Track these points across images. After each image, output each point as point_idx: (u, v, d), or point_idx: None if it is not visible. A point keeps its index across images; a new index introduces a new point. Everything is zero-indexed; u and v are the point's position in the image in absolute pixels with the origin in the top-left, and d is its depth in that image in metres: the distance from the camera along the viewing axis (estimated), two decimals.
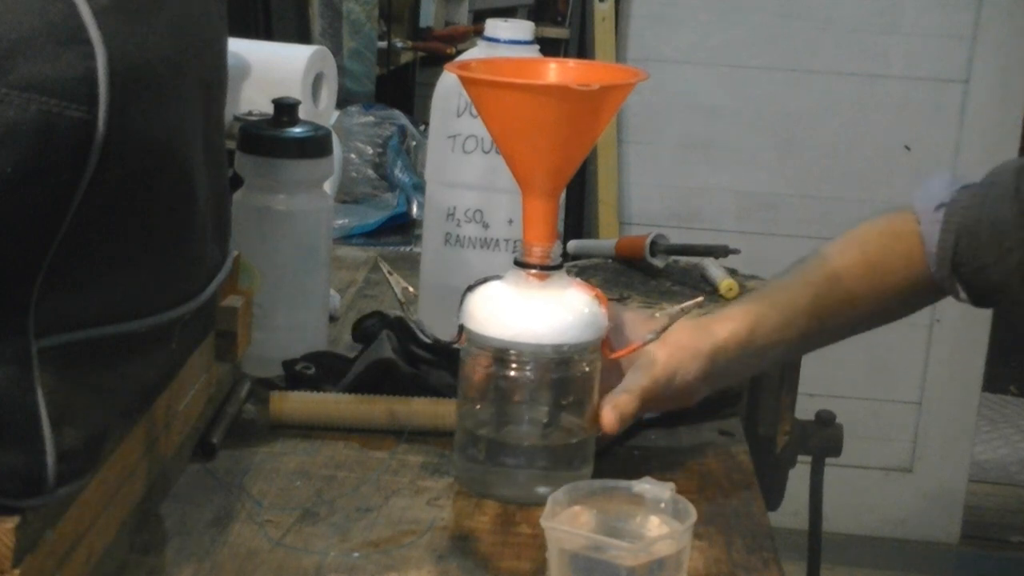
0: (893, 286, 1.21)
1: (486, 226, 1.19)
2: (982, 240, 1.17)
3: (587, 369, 0.96)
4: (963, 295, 1.19)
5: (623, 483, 0.84)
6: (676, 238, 1.59)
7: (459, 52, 2.70)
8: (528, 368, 0.94)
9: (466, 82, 0.95)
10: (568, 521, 0.81)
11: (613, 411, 0.99)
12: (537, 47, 1.18)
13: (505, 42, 1.16)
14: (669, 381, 1.05)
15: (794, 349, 1.19)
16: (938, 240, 1.18)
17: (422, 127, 2.23)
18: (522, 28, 1.18)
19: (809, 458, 1.44)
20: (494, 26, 1.17)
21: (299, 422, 1.06)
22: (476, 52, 1.19)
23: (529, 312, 0.94)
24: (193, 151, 0.80)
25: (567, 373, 0.95)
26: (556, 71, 1.01)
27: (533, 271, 0.95)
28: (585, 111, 0.93)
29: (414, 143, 2.19)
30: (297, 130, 1.13)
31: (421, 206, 1.96)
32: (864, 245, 1.22)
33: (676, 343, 1.06)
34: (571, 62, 1.04)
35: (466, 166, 1.18)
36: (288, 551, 0.87)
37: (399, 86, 2.98)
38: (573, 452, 0.98)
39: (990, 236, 1.16)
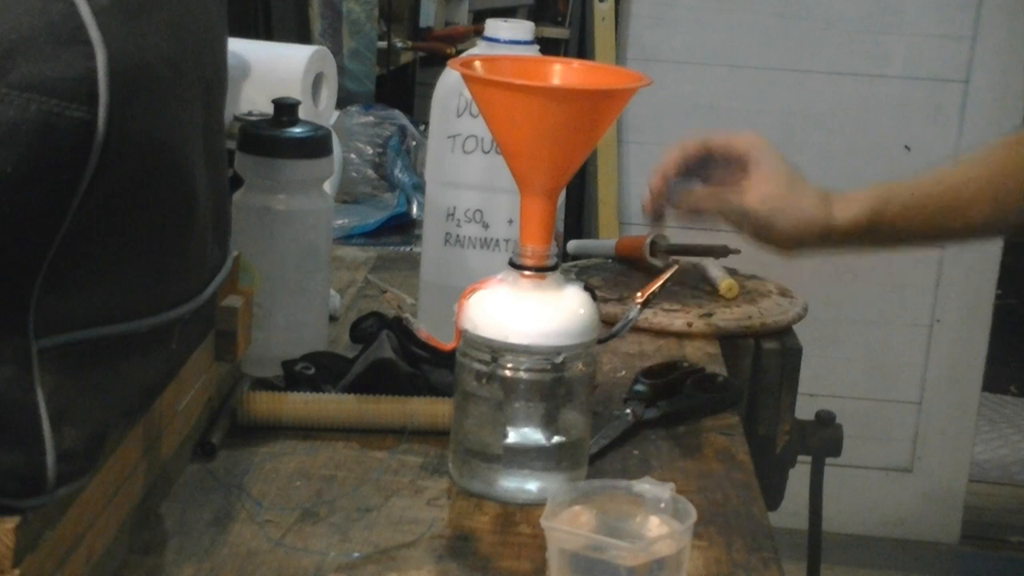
0: (1013, 190, 1.19)
1: (486, 226, 1.19)
2: None
3: (582, 370, 0.96)
4: None
5: (623, 483, 0.84)
6: (676, 238, 1.59)
7: (459, 52, 2.70)
8: (523, 369, 0.94)
9: (468, 80, 0.94)
10: (568, 521, 0.81)
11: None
12: (537, 47, 1.18)
13: (505, 42, 1.16)
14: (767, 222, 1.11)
15: (911, 233, 1.20)
16: None
17: (422, 127, 2.22)
18: (522, 28, 1.17)
19: (809, 458, 1.44)
20: (494, 26, 1.17)
21: (270, 423, 1.06)
22: (476, 52, 1.19)
23: (524, 313, 0.94)
24: (193, 151, 0.80)
25: (562, 374, 0.95)
26: (560, 72, 1.01)
27: (528, 272, 0.95)
28: (587, 114, 0.93)
29: (414, 143, 2.19)
30: (297, 130, 1.13)
31: (421, 206, 1.96)
32: (990, 150, 1.22)
33: (796, 208, 1.12)
34: (575, 63, 1.04)
35: (466, 166, 1.18)
36: (288, 551, 0.87)
37: (399, 86, 2.98)
38: (569, 453, 0.98)
39: None
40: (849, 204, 1.15)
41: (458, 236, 1.20)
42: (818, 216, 1.14)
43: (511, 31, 1.17)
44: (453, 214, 1.20)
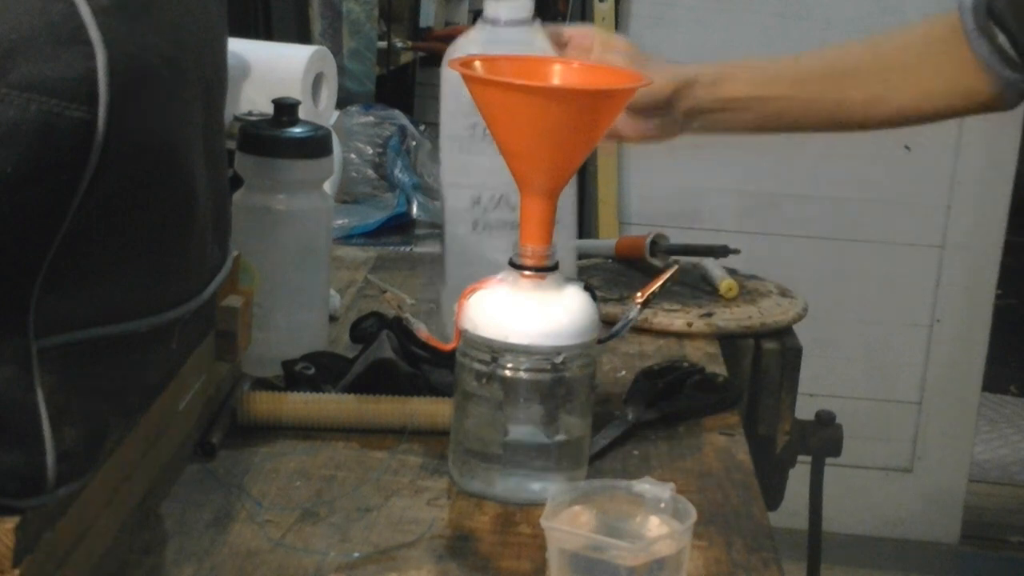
0: (904, 53, 1.22)
1: (513, 209, 1.18)
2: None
3: (582, 370, 0.96)
4: (1002, 38, 1.13)
5: (623, 483, 0.84)
6: (676, 238, 1.59)
7: None
8: (523, 369, 0.94)
9: (468, 80, 0.94)
10: (568, 521, 0.81)
11: None
12: (538, 21, 1.16)
13: (505, 23, 1.15)
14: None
15: (772, 112, 1.20)
16: None
17: (422, 127, 2.23)
18: (520, 6, 1.16)
19: (809, 458, 1.44)
20: (493, 7, 1.16)
21: (270, 423, 1.05)
22: (475, 34, 1.17)
23: (524, 313, 0.94)
24: (193, 151, 0.80)
25: (562, 374, 0.95)
26: (560, 72, 1.01)
27: (528, 272, 0.95)
28: (587, 114, 0.93)
29: (414, 143, 2.19)
30: (297, 130, 1.13)
31: (421, 206, 1.96)
32: (877, 33, 1.23)
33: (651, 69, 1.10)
34: (575, 63, 1.03)
35: (486, 152, 1.17)
36: (288, 551, 0.87)
37: (399, 86, 2.98)
38: (569, 453, 0.98)
39: None
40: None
41: (487, 222, 1.18)
42: (671, 68, 1.15)
43: (509, 10, 1.15)
44: (479, 201, 1.18)
